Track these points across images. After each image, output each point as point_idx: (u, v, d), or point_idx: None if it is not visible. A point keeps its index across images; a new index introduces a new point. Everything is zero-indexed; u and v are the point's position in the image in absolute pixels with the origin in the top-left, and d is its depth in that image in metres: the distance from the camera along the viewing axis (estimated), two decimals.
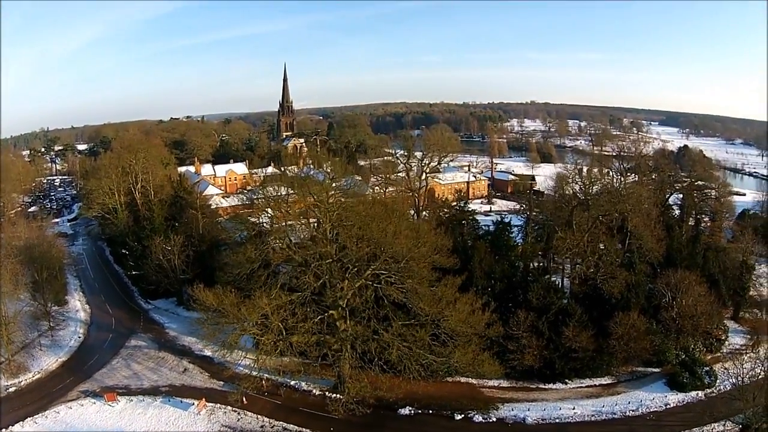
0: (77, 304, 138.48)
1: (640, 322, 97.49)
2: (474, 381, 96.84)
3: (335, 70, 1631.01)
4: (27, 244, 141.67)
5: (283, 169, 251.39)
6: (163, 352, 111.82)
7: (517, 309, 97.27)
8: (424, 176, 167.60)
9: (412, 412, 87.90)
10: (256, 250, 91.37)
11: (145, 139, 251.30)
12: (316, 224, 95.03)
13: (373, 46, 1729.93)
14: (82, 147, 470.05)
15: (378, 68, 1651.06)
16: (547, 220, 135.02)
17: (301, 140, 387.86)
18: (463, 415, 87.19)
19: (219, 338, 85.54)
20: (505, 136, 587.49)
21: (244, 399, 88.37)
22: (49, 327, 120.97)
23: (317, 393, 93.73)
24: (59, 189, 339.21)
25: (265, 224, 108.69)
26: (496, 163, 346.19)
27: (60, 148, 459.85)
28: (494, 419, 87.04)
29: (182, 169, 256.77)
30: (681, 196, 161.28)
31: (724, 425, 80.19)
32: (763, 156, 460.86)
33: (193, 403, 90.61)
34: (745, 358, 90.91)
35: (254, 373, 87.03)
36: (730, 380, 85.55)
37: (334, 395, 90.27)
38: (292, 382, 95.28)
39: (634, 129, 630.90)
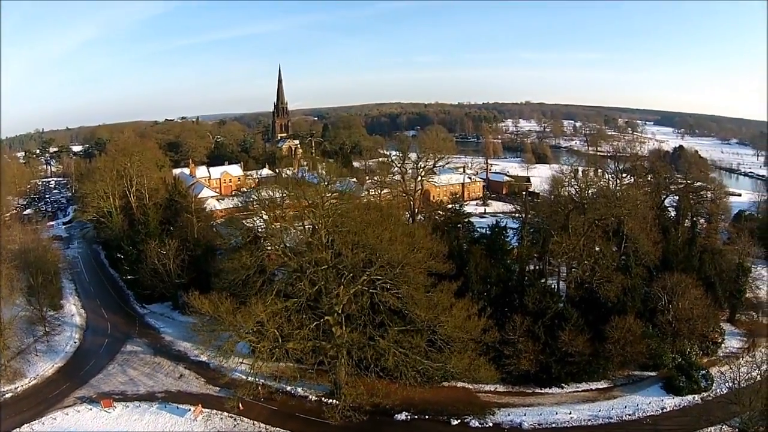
0: (73, 309, 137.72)
1: (636, 326, 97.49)
2: (470, 386, 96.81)
3: (330, 71, 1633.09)
4: (22, 248, 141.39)
5: (278, 171, 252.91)
6: (159, 357, 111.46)
7: (513, 313, 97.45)
8: (419, 179, 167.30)
9: (409, 417, 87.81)
10: (252, 257, 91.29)
11: (140, 142, 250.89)
12: (311, 230, 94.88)
13: (368, 47, 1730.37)
14: (77, 148, 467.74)
15: (373, 68, 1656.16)
16: (542, 224, 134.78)
17: (296, 142, 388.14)
18: (459, 421, 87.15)
19: (215, 345, 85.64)
20: (500, 136, 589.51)
21: (240, 405, 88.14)
22: (44, 332, 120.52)
23: (314, 399, 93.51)
24: (54, 191, 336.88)
25: (260, 230, 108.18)
26: (491, 164, 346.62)
27: (55, 149, 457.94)
28: (491, 424, 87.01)
29: (177, 171, 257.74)
30: (677, 197, 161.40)
31: (720, 429, 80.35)
32: (758, 156, 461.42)
33: (190, 409, 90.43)
34: (742, 362, 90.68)
35: (250, 379, 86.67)
36: (727, 384, 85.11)
37: (331, 401, 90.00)
38: (289, 388, 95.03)
39: (629, 129, 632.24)
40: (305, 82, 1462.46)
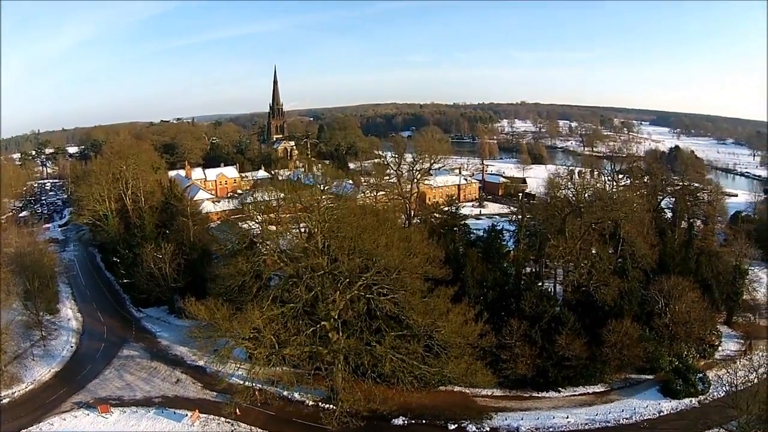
0: (69, 313, 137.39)
1: (633, 329, 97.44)
2: (467, 390, 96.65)
3: (326, 71, 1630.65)
4: (18, 251, 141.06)
5: (274, 173, 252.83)
6: (156, 362, 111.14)
7: (510, 318, 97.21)
8: (415, 182, 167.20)
9: (406, 422, 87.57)
10: (248, 262, 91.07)
11: (136, 144, 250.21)
12: (307, 235, 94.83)
13: (363, 47, 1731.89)
14: (73, 150, 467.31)
15: (368, 69, 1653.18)
16: (539, 228, 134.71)
17: (292, 143, 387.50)
18: (456, 425, 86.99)
19: (211, 350, 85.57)
20: (495, 137, 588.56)
21: (237, 410, 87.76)
22: (41, 336, 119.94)
23: (311, 404, 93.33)
24: (50, 193, 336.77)
25: (255, 236, 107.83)
26: (487, 165, 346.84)
27: (51, 151, 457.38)
28: (488, 429, 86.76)
29: (173, 173, 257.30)
30: (673, 199, 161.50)
31: None
32: (754, 155, 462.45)
33: (187, 415, 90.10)
34: (739, 365, 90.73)
35: (247, 384, 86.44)
36: (724, 387, 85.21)
37: (328, 406, 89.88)
38: (286, 393, 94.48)
39: (625, 129, 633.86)
40: (301, 83, 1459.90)
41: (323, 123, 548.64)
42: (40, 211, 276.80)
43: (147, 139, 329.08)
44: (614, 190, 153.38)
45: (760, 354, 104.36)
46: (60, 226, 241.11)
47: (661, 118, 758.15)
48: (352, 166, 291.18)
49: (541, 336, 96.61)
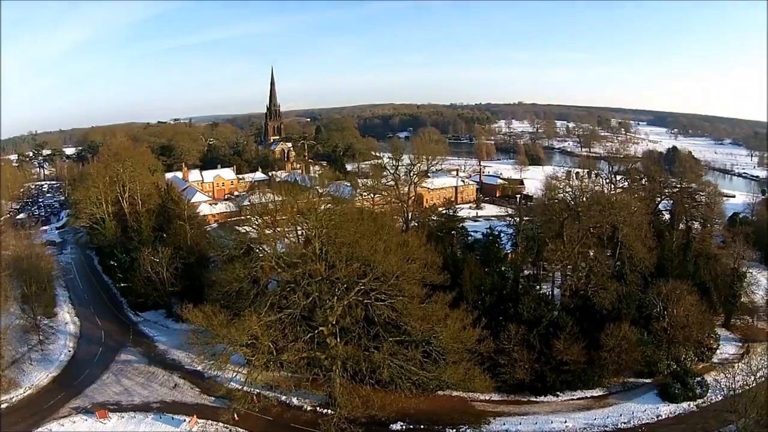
0: (66, 317, 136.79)
1: (631, 333, 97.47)
2: (465, 395, 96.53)
3: (323, 72, 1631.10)
4: (15, 255, 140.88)
5: (271, 174, 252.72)
6: (153, 366, 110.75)
7: (508, 322, 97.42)
8: (412, 185, 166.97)
9: (404, 427, 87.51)
10: (245, 268, 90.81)
11: (132, 146, 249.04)
12: (305, 240, 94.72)
13: (360, 47, 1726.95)
14: (70, 151, 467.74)
15: (365, 69, 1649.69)
16: (537, 231, 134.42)
17: (289, 144, 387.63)
18: (454, 430, 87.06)
19: (209, 355, 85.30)
20: (492, 137, 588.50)
21: (235, 416, 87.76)
22: (38, 341, 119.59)
23: (309, 409, 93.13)
24: (47, 195, 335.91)
25: (252, 241, 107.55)
26: (484, 167, 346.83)
27: (48, 152, 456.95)
28: None
29: (170, 175, 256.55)
30: (671, 201, 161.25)
31: None
32: (752, 156, 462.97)
33: (185, 420, 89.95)
34: (737, 369, 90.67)
35: (246, 389, 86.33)
36: (722, 391, 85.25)
37: (327, 411, 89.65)
38: (284, 398, 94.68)
39: (623, 130, 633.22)
40: (297, 83, 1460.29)
41: (320, 124, 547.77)
42: (37, 213, 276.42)
43: (144, 141, 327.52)
44: (612, 193, 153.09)
45: (759, 357, 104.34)
46: (57, 229, 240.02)
47: (658, 119, 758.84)
48: (349, 167, 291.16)
49: (539, 340, 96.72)
